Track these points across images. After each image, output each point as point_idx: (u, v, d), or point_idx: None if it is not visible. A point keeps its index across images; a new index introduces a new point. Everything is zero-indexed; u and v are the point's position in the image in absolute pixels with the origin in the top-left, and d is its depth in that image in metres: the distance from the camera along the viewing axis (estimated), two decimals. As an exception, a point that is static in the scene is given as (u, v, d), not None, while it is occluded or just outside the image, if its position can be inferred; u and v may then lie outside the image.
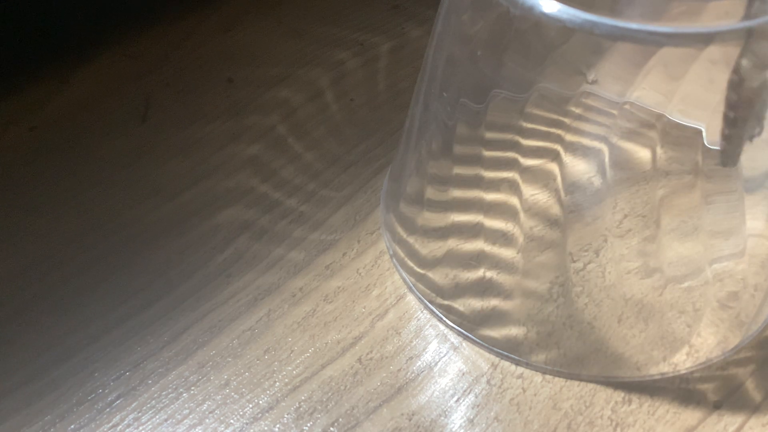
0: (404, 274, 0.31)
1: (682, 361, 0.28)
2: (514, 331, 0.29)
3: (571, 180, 0.29)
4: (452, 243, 0.29)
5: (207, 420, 0.27)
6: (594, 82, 0.27)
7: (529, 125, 0.27)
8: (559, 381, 0.28)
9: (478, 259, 0.29)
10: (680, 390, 0.28)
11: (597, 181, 0.29)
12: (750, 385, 0.28)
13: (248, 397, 0.28)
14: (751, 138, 0.25)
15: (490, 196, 0.29)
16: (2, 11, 0.39)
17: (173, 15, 0.42)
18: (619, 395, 0.28)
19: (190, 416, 0.27)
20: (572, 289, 0.29)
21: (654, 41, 0.22)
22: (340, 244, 0.32)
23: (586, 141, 0.29)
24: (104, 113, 0.38)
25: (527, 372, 0.28)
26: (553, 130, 0.28)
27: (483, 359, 0.29)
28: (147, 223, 0.33)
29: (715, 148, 0.26)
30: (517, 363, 0.28)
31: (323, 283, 0.31)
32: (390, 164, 0.34)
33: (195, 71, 0.40)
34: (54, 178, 0.35)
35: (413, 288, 0.30)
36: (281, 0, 0.44)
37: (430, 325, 0.30)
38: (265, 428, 0.27)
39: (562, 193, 0.28)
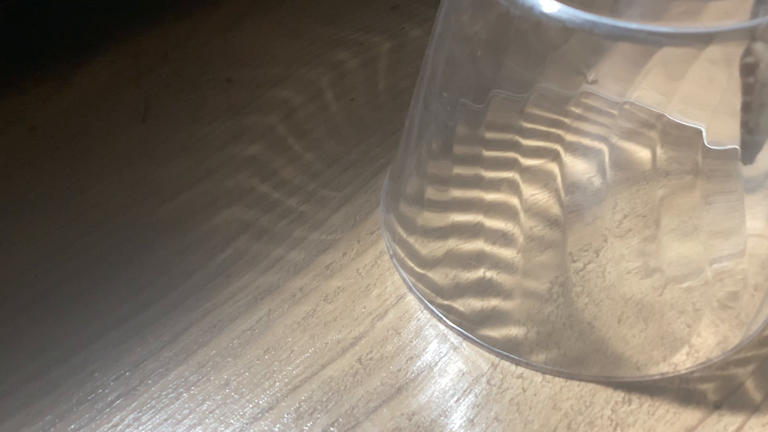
0: (404, 274, 0.31)
1: (682, 361, 0.28)
2: (514, 331, 0.29)
3: (571, 180, 0.29)
4: (452, 243, 0.29)
5: (207, 420, 0.27)
6: (594, 82, 0.27)
7: (529, 125, 0.27)
8: (559, 381, 0.28)
9: (478, 259, 0.29)
10: (680, 390, 0.28)
11: (597, 181, 0.29)
12: (750, 385, 0.28)
13: (248, 397, 0.28)
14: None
15: (490, 196, 0.29)
16: (2, 11, 0.39)
17: (173, 15, 0.42)
18: (619, 395, 0.28)
19: (190, 416, 0.27)
20: (572, 289, 0.29)
21: (654, 41, 0.22)
22: (340, 244, 0.32)
23: (586, 141, 0.29)
24: (104, 113, 0.38)
25: (527, 372, 0.28)
26: (553, 130, 0.28)
27: (483, 359, 0.29)
28: (147, 223, 0.33)
29: (715, 148, 0.26)
30: (517, 363, 0.28)
31: (323, 283, 0.31)
32: (390, 164, 0.34)
33: (195, 71, 0.40)
34: (54, 178, 0.35)
35: (413, 288, 0.30)
36: (281, 0, 0.44)
37: (430, 325, 0.30)
38: (265, 428, 0.27)
39: (562, 193, 0.28)
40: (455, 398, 0.28)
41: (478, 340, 0.29)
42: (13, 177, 0.35)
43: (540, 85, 0.26)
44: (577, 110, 0.28)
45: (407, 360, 0.29)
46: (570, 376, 0.28)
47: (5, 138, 0.37)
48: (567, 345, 0.28)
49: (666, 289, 0.28)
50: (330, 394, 0.28)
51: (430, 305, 0.30)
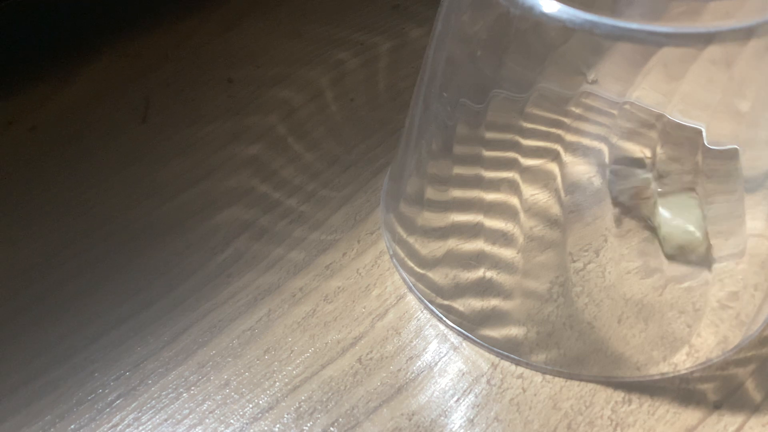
0: (404, 274, 0.31)
1: (682, 361, 0.28)
2: (514, 331, 0.29)
3: (571, 180, 0.29)
4: (452, 243, 0.29)
5: (207, 420, 0.27)
6: (594, 82, 0.27)
7: (529, 125, 0.27)
8: (559, 381, 0.28)
9: (478, 259, 0.29)
10: (680, 390, 0.28)
11: (597, 181, 0.29)
12: (750, 385, 0.28)
13: (248, 397, 0.28)
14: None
15: (490, 196, 0.29)
16: (2, 11, 0.39)
17: (173, 15, 0.42)
18: (619, 395, 0.28)
19: (190, 416, 0.27)
20: (572, 289, 0.29)
21: (654, 41, 0.22)
22: (340, 244, 0.32)
23: (586, 141, 0.29)
24: (104, 113, 0.38)
25: (527, 372, 0.28)
26: (553, 130, 0.28)
27: (483, 359, 0.29)
28: (147, 223, 0.33)
29: (715, 148, 0.26)
30: (517, 363, 0.28)
31: (323, 283, 0.31)
32: (390, 164, 0.34)
33: (195, 71, 0.40)
34: (54, 178, 0.35)
35: (413, 288, 0.30)
36: (281, 0, 0.43)
37: (430, 325, 0.30)
38: (265, 428, 0.27)
39: (562, 193, 0.28)
40: (455, 398, 0.28)
41: (478, 340, 0.29)
42: (13, 177, 0.35)
43: (540, 85, 0.26)
44: (577, 110, 0.28)
45: (407, 360, 0.29)
46: (570, 376, 0.28)
47: (5, 138, 0.37)
48: (567, 345, 0.28)
49: (666, 289, 0.28)
50: (330, 394, 0.28)
51: (430, 305, 0.30)
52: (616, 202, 0.29)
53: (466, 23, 0.26)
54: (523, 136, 0.27)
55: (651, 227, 0.28)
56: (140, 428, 0.27)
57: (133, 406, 0.28)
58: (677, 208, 0.28)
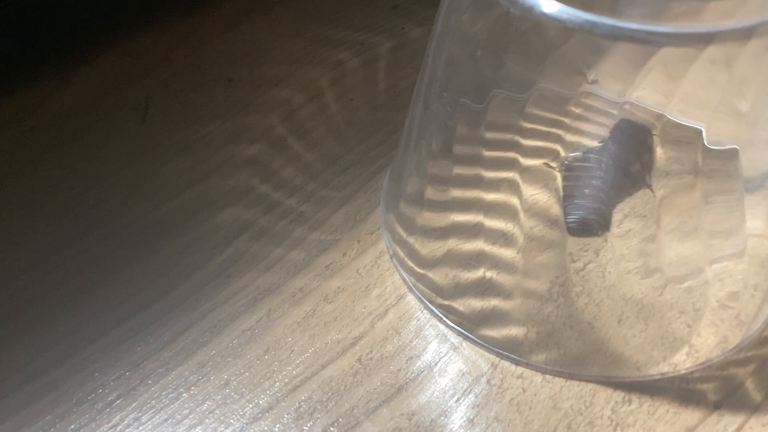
0: (404, 274, 0.31)
1: (682, 361, 0.28)
2: (514, 331, 0.28)
3: (571, 180, 0.29)
4: (452, 243, 0.29)
5: (207, 420, 0.27)
6: (594, 82, 0.27)
7: (529, 125, 0.27)
8: (559, 381, 0.28)
9: (478, 259, 0.29)
10: (680, 390, 0.28)
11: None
12: (750, 385, 0.28)
13: (248, 397, 0.28)
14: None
15: (490, 196, 0.29)
16: (2, 11, 0.39)
17: (173, 15, 0.42)
18: (619, 395, 0.28)
19: (190, 416, 0.27)
20: (572, 289, 0.29)
21: (654, 41, 0.22)
22: (340, 244, 0.32)
23: (586, 141, 0.29)
24: (104, 113, 0.38)
25: (527, 372, 0.28)
26: (553, 130, 0.28)
27: (483, 359, 0.29)
28: (147, 223, 0.33)
29: (715, 148, 0.26)
30: (517, 363, 0.28)
31: (323, 283, 0.31)
32: (390, 164, 0.34)
33: (195, 71, 0.40)
34: (54, 178, 0.35)
35: (413, 288, 0.30)
36: (281, 0, 0.43)
37: (430, 325, 0.30)
38: (265, 428, 0.27)
39: (562, 193, 0.28)
40: (455, 398, 0.28)
41: (478, 340, 0.29)
42: (12, 177, 0.35)
43: (540, 85, 0.26)
44: (577, 110, 0.28)
45: (407, 360, 0.29)
46: (570, 376, 0.28)
47: (5, 138, 0.37)
48: (567, 345, 0.28)
49: (666, 289, 0.28)
50: (330, 394, 0.28)
51: (430, 305, 0.30)
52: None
53: (466, 23, 0.26)
54: (523, 136, 0.27)
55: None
56: (140, 428, 0.27)
57: (133, 406, 0.28)
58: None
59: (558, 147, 0.28)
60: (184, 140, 0.36)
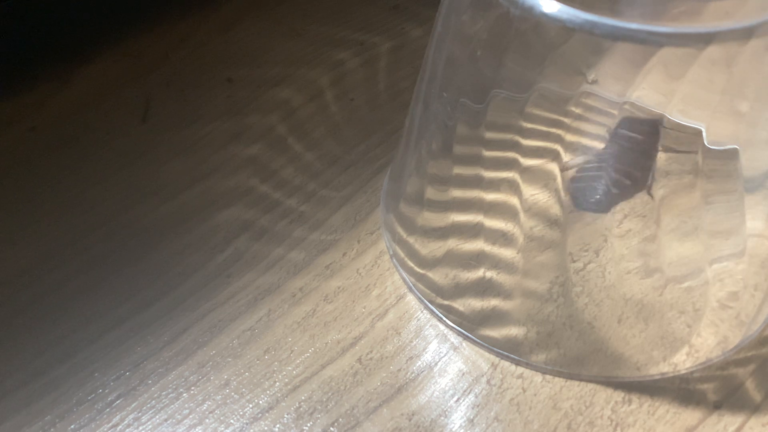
0: (404, 274, 0.31)
1: (682, 361, 0.28)
2: (514, 331, 0.29)
3: (571, 180, 0.29)
4: (452, 243, 0.29)
5: (207, 420, 0.27)
6: (594, 82, 0.27)
7: (529, 125, 0.27)
8: (559, 381, 0.28)
9: (478, 259, 0.29)
10: (680, 390, 0.28)
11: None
12: (750, 385, 0.28)
13: (248, 397, 0.28)
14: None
15: (490, 196, 0.29)
16: (2, 11, 0.39)
17: (173, 15, 0.42)
18: (619, 395, 0.28)
19: (190, 416, 0.27)
20: (572, 289, 0.29)
21: (654, 41, 0.22)
22: (340, 244, 0.32)
23: (586, 141, 0.29)
24: (104, 113, 0.38)
25: (527, 372, 0.28)
26: (553, 130, 0.28)
27: (483, 359, 0.29)
28: (147, 223, 0.33)
29: (715, 148, 0.26)
30: (517, 363, 0.28)
31: (323, 283, 0.31)
32: (390, 164, 0.34)
33: (195, 71, 0.40)
34: (54, 178, 0.35)
35: (413, 288, 0.30)
36: (281, 0, 0.44)
37: (430, 325, 0.30)
38: (265, 428, 0.27)
39: (562, 193, 0.28)
40: (455, 398, 0.28)
41: (478, 340, 0.29)
42: (13, 177, 0.35)
43: (540, 85, 0.26)
44: (577, 110, 0.28)
45: (407, 360, 0.29)
46: (570, 376, 0.28)
47: (5, 138, 0.37)
48: (567, 345, 0.28)
49: (666, 289, 0.28)
50: (330, 394, 0.28)
51: (430, 305, 0.30)
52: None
53: (466, 23, 0.26)
54: (523, 136, 0.27)
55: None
56: (140, 428, 0.27)
57: (133, 406, 0.28)
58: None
59: (558, 147, 0.28)
60: (184, 140, 0.36)
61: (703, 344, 0.28)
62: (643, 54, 0.24)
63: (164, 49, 0.41)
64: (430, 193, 0.29)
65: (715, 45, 0.22)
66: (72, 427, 0.27)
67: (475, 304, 0.29)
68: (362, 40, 0.41)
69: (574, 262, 0.29)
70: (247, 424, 0.27)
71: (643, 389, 0.28)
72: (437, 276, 0.30)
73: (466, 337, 0.29)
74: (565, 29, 0.22)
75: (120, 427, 0.27)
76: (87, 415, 0.28)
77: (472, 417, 0.27)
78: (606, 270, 0.29)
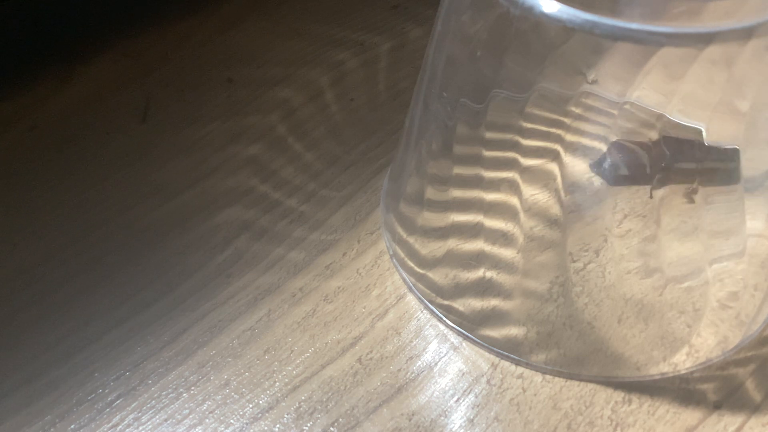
0: (404, 274, 0.31)
1: (682, 361, 0.28)
2: (514, 331, 0.29)
3: (571, 180, 0.29)
4: (452, 243, 0.29)
5: (207, 420, 0.27)
6: (594, 82, 0.27)
7: (529, 125, 0.27)
8: (559, 381, 0.28)
9: (478, 259, 0.29)
10: (680, 390, 0.28)
11: (597, 181, 0.29)
12: (750, 385, 0.28)
13: (248, 397, 0.28)
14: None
15: (490, 196, 0.29)
16: (2, 11, 0.39)
17: (173, 15, 0.42)
18: (619, 395, 0.28)
19: (190, 416, 0.27)
20: (572, 289, 0.29)
21: (654, 41, 0.22)
22: (340, 244, 0.32)
23: (586, 141, 0.29)
24: (104, 113, 0.38)
25: (527, 372, 0.28)
26: (553, 130, 0.28)
27: (483, 359, 0.29)
28: (147, 223, 0.33)
29: (715, 148, 0.26)
30: (517, 363, 0.28)
31: (323, 283, 0.31)
32: (390, 164, 0.34)
33: (195, 71, 0.40)
34: (54, 177, 0.35)
35: (413, 288, 0.30)
36: (281, 0, 0.44)
37: (430, 325, 0.30)
38: (265, 428, 0.27)
39: (562, 193, 0.28)
40: (455, 398, 0.28)
41: (478, 340, 0.29)
42: (13, 176, 0.35)
43: (540, 85, 0.26)
44: (577, 110, 0.28)
45: (407, 360, 0.29)
46: (570, 376, 0.28)
47: (6, 137, 0.37)
48: (567, 345, 0.28)
49: (666, 289, 0.28)
50: (330, 394, 0.28)
51: (430, 305, 0.30)
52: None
53: (466, 23, 0.26)
54: (523, 136, 0.27)
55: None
56: (140, 428, 0.27)
57: (133, 406, 0.28)
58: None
59: (558, 147, 0.28)
60: (184, 140, 0.36)
61: (703, 344, 0.28)
62: (643, 54, 0.24)
63: (164, 49, 0.41)
64: (430, 193, 0.29)
65: (715, 45, 0.22)
66: (72, 427, 0.27)
67: (475, 304, 0.29)
68: (362, 40, 0.41)
69: (574, 262, 0.29)
70: (247, 424, 0.27)
71: (643, 389, 0.28)
72: (437, 276, 0.30)
73: (466, 337, 0.29)
74: (565, 29, 0.22)
75: (120, 427, 0.27)
76: (87, 415, 0.28)
77: (472, 417, 0.27)
78: (606, 270, 0.29)
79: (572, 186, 0.29)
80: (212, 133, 0.37)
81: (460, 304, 0.29)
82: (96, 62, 0.40)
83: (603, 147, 0.28)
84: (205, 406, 0.28)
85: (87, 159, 0.36)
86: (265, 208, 0.34)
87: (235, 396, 0.28)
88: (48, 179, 0.35)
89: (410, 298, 0.30)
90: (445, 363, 0.29)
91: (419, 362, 0.29)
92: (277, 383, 0.28)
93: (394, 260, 0.31)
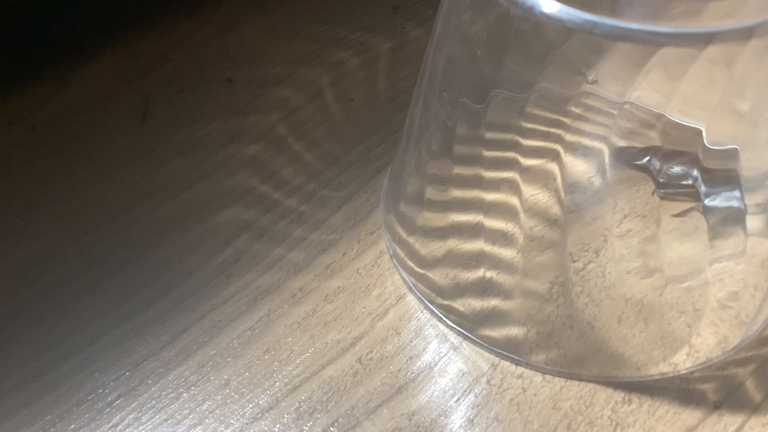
0: (404, 274, 0.31)
1: (682, 361, 0.28)
2: (514, 331, 0.29)
3: (571, 180, 0.29)
4: (452, 243, 0.29)
5: (207, 420, 0.27)
6: (594, 82, 0.27)
7: (529, 125, 0.27)
8: (559, 381, 0.28)
9: (478, 259, 0.29)
10: (680, 390, 0.28)
11: (597, 181, 0.29)
12: (750, 385, 0.28)
13: (248, 397, 0.28)
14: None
15: (490, 196, 0.29)
16: (2, 11, 0.39)
17: (173, 15, 0.42)
18: (619, 395, 0.28)
19: (190, 416, 0.27)
20: (572, 289, 0.29)
21: (654, 41, 0.22)
22: (340, 244, 0.32)
23: (586, 141, 0.29)
24: (104, 113, 0.38)
25: (527, 372, 0.28)
26: (553, 130, 0.28)
27: (483, 359, 0.29)
28: (147, 223, 0.33)
29: (715, 148, 0.26)
30: (517, 363, 0.28)
31: (323, 283, 0.31)
32: (390, 164, 0.34)
33: (195, 71, 0.40)
34: (54, 177, 0.35)
35: (413, 288, 0.30)
36: (281, 0, 0.43)
37: (430, 325, 0.30)
38: (265, 428, 0.27)
39: (562, 193, 0.28)
40: (455, 398, 0.28)
41: (478, 340, 0.29)
42: (13, 176, 0.35)
43: (540, 85, 0.26)
44: (577, 110, 0.28)
45: (407, 360, 0.29)
46: (570, 376, 0.28)
47: (6, 137, 0.37)
48: (567, 345, 0.28)
49: (666, 289, 0.28)
50: (330, 394, 0.28)
51: (430, 305, 0.30)
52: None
53: (466, 23, 0.26)
54: (523, 136, 0.27)
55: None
56: (140, 428, 0.27)
57: (133, 406, 0.28)
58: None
59: (558, 147, 0.28)
60: (184, 140, 0.36)
61: (703, 344, 0.28)
62: (643, 54, 0.24)
63: (164, 49, 0.41)
64: (430, 193, 0.29)
65: (715, 45, 0.22)
66: (72, 427, 0.27)
67: (475, 304, 0.29)
68: (362, 40, 0.41)
69: (574, 262, 0.29)
70: (247, 424, 0.27)
71: (643, 389, 0.28)
72: (437, 276, 0.30)
73: (466, 337, 0.29)
74: (565, 29, 0.22)
75: (120, 427, 0.27)
76: (87, 415, 0.28)
77: (472, 417, 0.27)
78: (606, 270, 0.29)
79: (572, 186, 0.29)
80: (212, 133, 0.37)
81: (460, 304, 0.29)
82: (96, 62, 0.40)
83: (603, 147, 0.28)
84: (205, 406, 0.28)
85: (87, 159, 0.36)
86: (265, 208, 0.34)
87: (235, 396, 0.28)
88: (48, 179, 0.35)
89: (410, 298, 0.30)
90: (445, 363, 0.29)
91: (419, 362, 0.29)
92: (277, 383, 0.28)
93: (394, 260, 0.31)
